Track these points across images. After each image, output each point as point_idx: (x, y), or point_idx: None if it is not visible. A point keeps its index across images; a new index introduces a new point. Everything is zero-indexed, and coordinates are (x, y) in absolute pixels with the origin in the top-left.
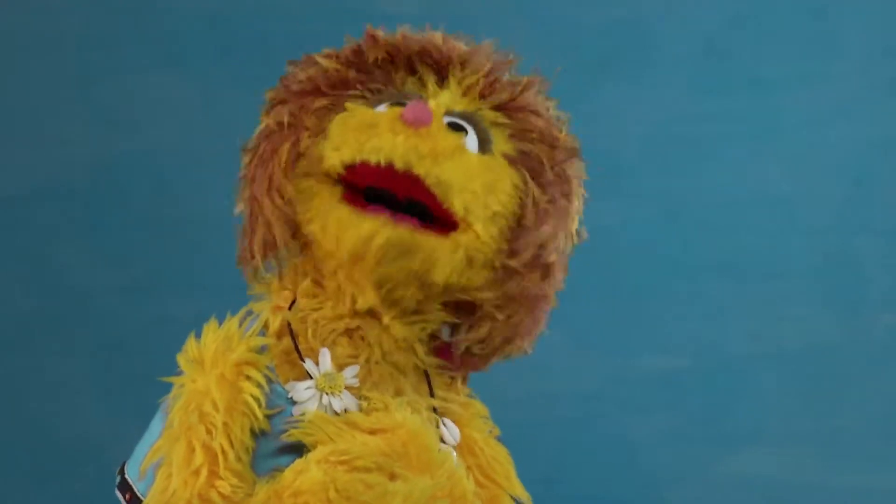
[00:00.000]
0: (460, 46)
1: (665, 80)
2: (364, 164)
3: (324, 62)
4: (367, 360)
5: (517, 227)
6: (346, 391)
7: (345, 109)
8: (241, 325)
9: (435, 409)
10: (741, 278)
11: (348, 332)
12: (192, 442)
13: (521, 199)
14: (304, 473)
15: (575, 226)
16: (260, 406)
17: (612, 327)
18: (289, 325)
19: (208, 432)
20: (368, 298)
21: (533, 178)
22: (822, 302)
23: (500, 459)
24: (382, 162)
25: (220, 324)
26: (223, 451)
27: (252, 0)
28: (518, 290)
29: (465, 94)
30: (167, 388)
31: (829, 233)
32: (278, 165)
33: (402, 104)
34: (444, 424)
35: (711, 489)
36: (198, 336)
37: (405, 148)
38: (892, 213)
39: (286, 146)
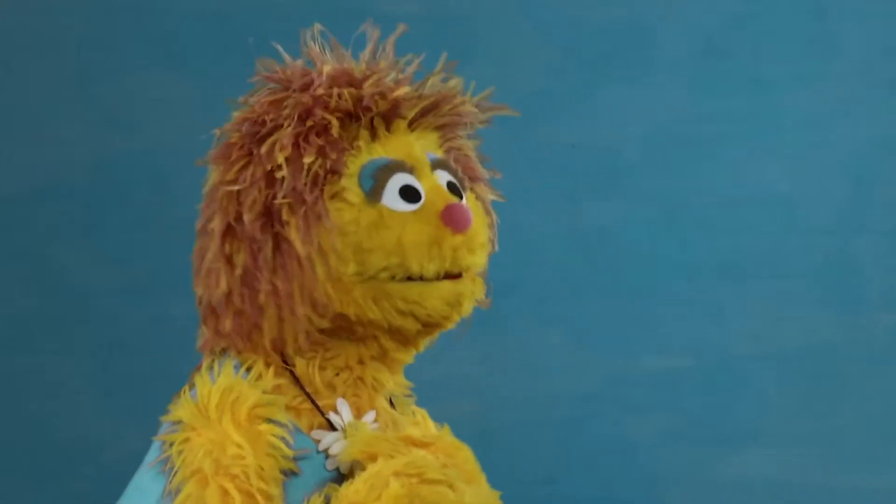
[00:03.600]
0: (402, 82)
1: (665, 80)
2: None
3: (327, 157)
4: (371, 399)
5: None
6: None
7: (334, 194)
8: (235, 375)
9: None
10: (741, 278)
11: (359, 378)
12: (225, 485)
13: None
14: (380, 487)
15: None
16: (288, 445)
17: (612, 327)
18: (294, 377)
19: (243, 474)
20: (418, 349)
21: (470, 176)
22: (822, 302)
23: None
24: (444, 273)
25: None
26: (260, 491)
27: (252, 0)
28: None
29: (412, 128)
30: (167, 388)
31: (829, 233)
32: (325, 279)
33: (390, 170)
34: None
35: (711, 489)
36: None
37: (462, 255)
38: (892, 213)
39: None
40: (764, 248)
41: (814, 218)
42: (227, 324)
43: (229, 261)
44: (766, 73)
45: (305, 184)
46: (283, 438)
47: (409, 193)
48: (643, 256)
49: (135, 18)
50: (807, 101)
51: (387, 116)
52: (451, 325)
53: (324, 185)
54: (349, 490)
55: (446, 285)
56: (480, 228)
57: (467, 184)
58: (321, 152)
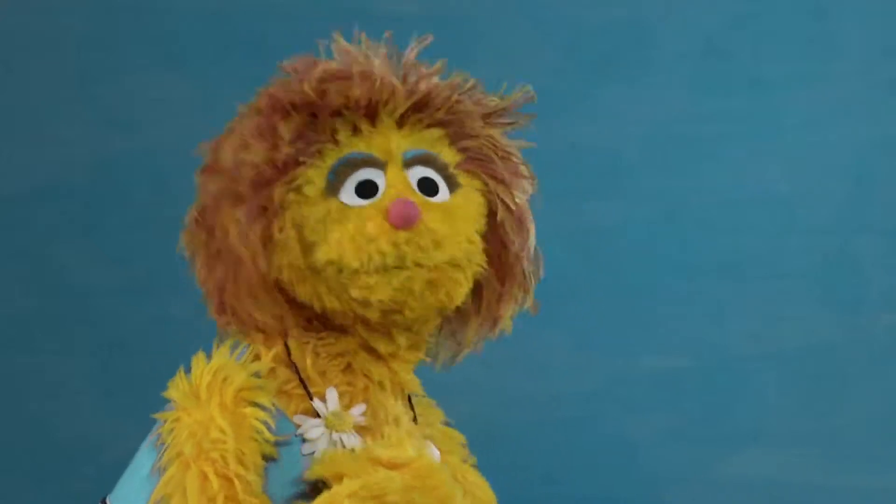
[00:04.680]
0: (380, 78)
1: (665, 80)
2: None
3: (277, 151)
4: (366, 390)
5: (498, 226)
6: (353, 430)
7: (296, 187)
8: (231, 355)
9: None
10: (741, 278)
11: (349, 367)
12: (205, 470)
13: (488, 198)
14: None
15: (525, 183)
16: (270, 430)
17: (612, 327)
18: (290, 359)
19: (222, 459)
20: (399, 343)
21: (489, 175)
22: (822, 302)
23: (482, 486)
24: (386, 269)
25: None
26: (238, 477)
27: (252, 0)
28: (516, 277)
29: (400, 125)
30: (167, 388)
31: (829, 233)
32: (257, 274)
33: (355, 165)
34: (429, 447)
35: (711, 489)
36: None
37: (408, 251)
38: (892, 213)
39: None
40: (764, 248)
41: (814, 218)
42: (211, 308)
43: (196, 249)
44: (766, 73)
45: (248, 179)
46: (265, 423)
47: (365, 189)
48: (643, 256)
49: (135, 18)
50: (807, 101)
51: (367, 113)
52: (416, 313)
53: (276, 180)
54: None
55: (394, 274)
56: (440, 224)
57: (462, 181)
58: (274, 148)
